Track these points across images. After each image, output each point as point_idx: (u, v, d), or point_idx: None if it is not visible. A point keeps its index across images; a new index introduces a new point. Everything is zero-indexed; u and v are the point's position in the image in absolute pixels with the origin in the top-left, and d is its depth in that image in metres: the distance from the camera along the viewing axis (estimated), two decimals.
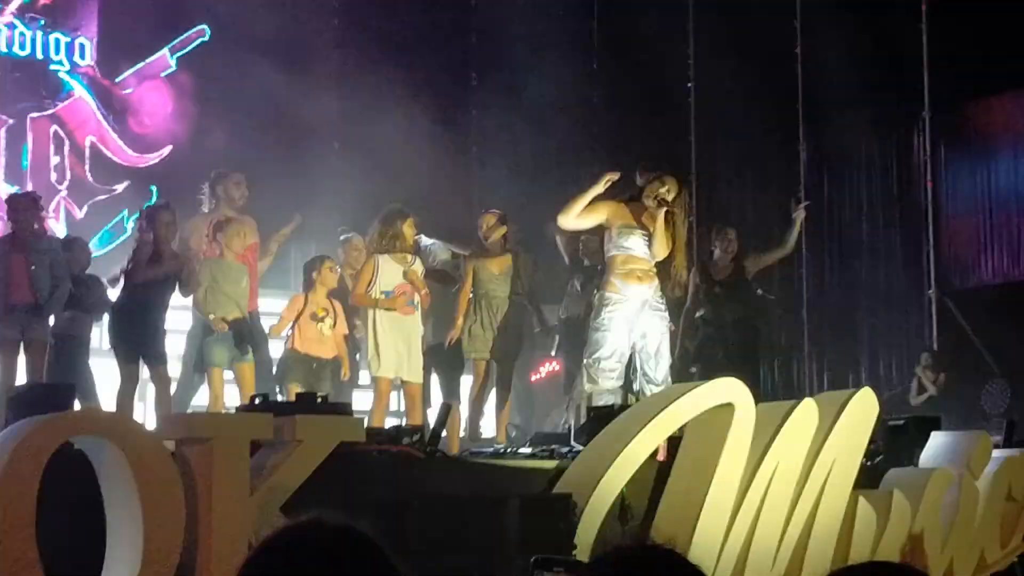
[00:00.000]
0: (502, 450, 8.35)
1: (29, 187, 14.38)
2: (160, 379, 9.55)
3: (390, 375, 9.50)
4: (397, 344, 9.52)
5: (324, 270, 9.96)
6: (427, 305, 9.83)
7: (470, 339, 10.17)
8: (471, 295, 10.20)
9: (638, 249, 8.95)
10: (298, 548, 2.10)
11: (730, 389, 6.87)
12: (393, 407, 10.43)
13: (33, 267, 9.42)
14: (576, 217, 8.97)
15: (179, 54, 15.34)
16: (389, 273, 9.58)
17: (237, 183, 10.32)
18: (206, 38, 15.12)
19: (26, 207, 9.71)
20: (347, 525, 2.14)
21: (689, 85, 15.30)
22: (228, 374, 9.87)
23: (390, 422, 9.09)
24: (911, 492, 7.40)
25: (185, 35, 15.21)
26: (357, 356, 10.38)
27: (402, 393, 9.99)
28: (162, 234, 9.57)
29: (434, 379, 10.59)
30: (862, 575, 2.48)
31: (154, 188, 13.91)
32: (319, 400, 7.05)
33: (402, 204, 9.99)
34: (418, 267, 9.79)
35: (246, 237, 9.98)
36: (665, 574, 2.38)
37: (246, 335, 9.73)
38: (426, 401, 10.20)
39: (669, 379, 8.93)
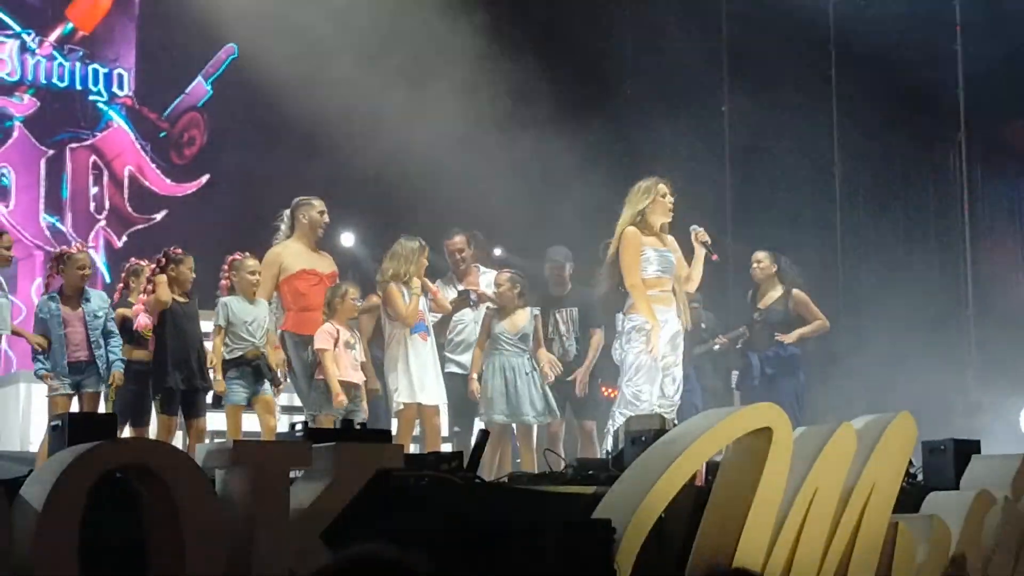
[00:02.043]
0: (540, 476, 8.35)
1: (69, 217, 14.54)
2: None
3: (418, 400, 9.64)
4: (420, 370, 9.68)
5: (347, 300, 10.00)
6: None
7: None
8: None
9: (665, 271, 9.04)
10: None
11: (768, 413, 6.86)
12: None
13: (89, 326, 9.53)
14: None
15: (213, 78, 15.46)
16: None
17: (321, 211, 10.32)
18: (235, 55, 15.22)
19: (83, 265, 9.74)
20: (399, 559, 2.14)
21: (723, 108, 15.34)
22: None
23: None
24: (952, 516, 7.35)
25: (215, 57, 15.33)
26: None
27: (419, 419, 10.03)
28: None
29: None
30: None
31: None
32: (357, 427, 7.10)
33: (419, 237, 10.11)
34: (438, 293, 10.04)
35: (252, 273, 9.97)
36: None
37: (264, 371, 9.74)
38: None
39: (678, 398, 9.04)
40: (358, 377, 9.89)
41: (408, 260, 9.93)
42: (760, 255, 10.99)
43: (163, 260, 9.80)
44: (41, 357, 9.42)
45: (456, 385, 10.15)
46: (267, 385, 9.67)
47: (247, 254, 9.99)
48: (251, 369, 9.64)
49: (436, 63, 14.24)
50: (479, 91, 14.42)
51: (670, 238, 9.30)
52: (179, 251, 9.91)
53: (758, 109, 14.18)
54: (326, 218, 10.32)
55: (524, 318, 10.25)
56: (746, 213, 14.28)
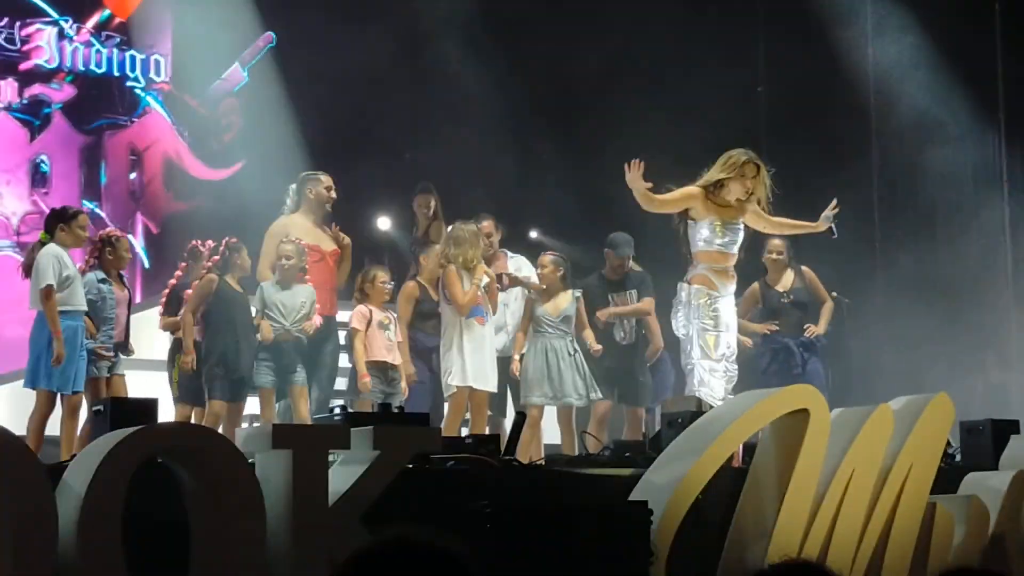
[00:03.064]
0: (577, 459, 8.38)
1: (107, 203, 14.63)
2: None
3: (470, 384, 9.64)
4: (474, 354, 9.67)
5: (377, 284, 10.02)
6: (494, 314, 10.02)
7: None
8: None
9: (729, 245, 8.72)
10: (385, 565, 2.13)
11: (805, 394, 6.87)
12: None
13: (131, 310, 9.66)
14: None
15: (250, 64, 15.52)
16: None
17: (328, 186, 10.33)
18: (273, 44, 15.27)
19: (128, 248, 9.83)
20: (433, 542, 2.16)
21: (759, 89, 15.30)
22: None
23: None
24: (990, 496, 7.34)
25: (253, 45, 15.37)
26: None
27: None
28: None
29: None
30: None
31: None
32: (396, 410, 7.14)
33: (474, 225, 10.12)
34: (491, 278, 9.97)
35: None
36: None
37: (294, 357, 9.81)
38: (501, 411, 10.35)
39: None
40: (392, 357, 9.93)
41: (472, 244, 9.91)
42: (777, 242, 10.93)
43: (222, 249, 9.96)
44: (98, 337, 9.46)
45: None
46: (300, 373, 9.73)
47: (287, 238, 10.05)
48: (281, 355, 9.72)
49: (469, 53, 14.31)
50: (515, 75, 14.46)
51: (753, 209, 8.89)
52: (235, 240, 10.02)
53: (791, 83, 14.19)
54: (333, 194, 10.31)
55: (566, 300, 10.25)
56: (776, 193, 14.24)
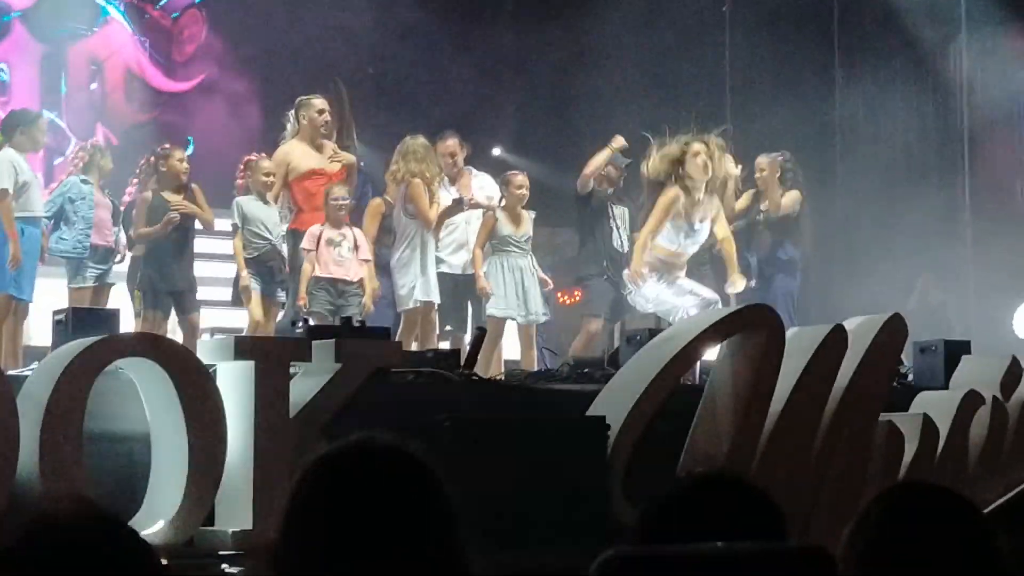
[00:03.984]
0: (537, 374, 8.47)
1: (67, 114, 14.51)
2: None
3: (431, 299, 9.85)
4: (429, 268, 9.88)
5: (330, 201, 10.04)
6: None
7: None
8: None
9: None
10: (349, 468, 2.19)
11: (761, 313, 6.95)
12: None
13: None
14: None
15: None
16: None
17: (320, 110, 10.32)
18: None
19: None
20: (397, 444, 2.21)
21: (724, 9, 15.26)
22: None
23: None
24: (941, 415, 7.46)
25: None
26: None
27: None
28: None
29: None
30: (900, 497, 2.56)
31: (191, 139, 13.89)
32: (357, 324, 7.20)
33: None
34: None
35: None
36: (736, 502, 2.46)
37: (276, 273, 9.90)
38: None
39: None
40: (343, 273, 9.98)
41: (422, 159, 9.97)
42: (761, 161, 10.96)
43: (151, 157, 9.92)
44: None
45: (447, 285, 10.22)
46: (279, 290, 9.83)
47: (262, 155, 10.07)
48: (267, 269, 9.79)
49: None
50: None
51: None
52: (167, 146, 9.99)
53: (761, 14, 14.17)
54: (326, 117, 10.29)
55: (528, 220, 10.36)
56: (747, 116, 14.27)
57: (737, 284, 9.97)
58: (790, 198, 10.96)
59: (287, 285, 9.95)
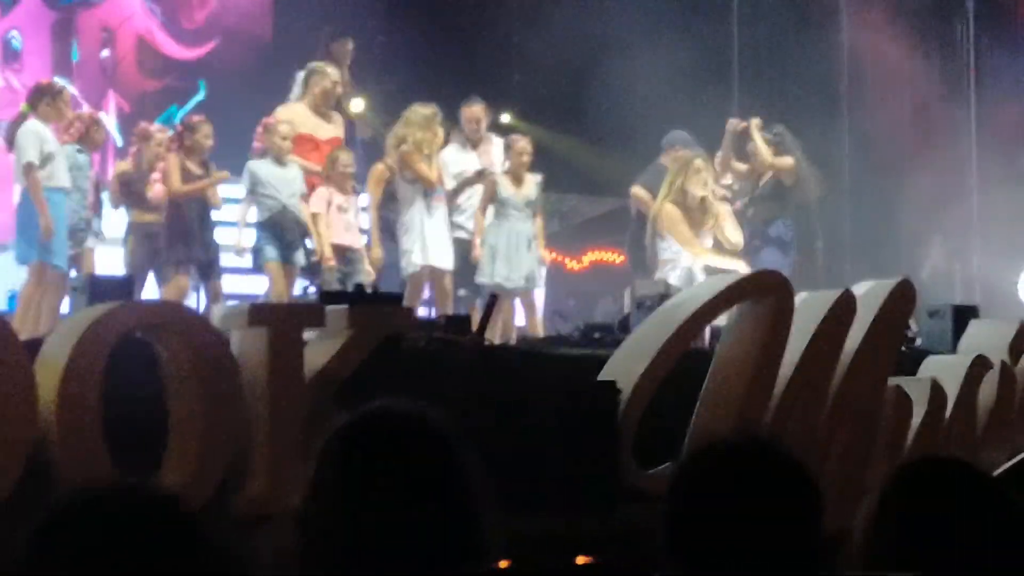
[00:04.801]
0: (548, 340, 8.51)
1: (79, 81, 14.54)
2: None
3: (431, 264, 9.92)
4: (434, 232, 9.97)
5: (338, 167, 10.08)
6: None
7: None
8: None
9: None
10: (374, 434, 2.23)
11: (771, 279, 6.99)
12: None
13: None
14: None
15: None
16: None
17: (335, 81, 10.33)
18: None
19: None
20: (420, 412, 2.25)
21: None
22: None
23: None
24: (949, 379, 7.49)
25: None
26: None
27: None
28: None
29: None
30: (924, 474, 2.58)
31: (202, 83, 13.95)
32: (369, 290, 7.24)
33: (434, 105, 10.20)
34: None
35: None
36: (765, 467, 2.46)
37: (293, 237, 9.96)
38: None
39: None
40: (350, 240, 10.02)
41: (424, 128, 9.98)
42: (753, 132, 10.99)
43: (181, 129, 9.98)
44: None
45: (462, 249, 10.25)
46: (298, 253, 9.87)
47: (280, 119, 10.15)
48: (282, 231, 9.83)
49: None
50: None
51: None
52: (196, 119, 10.04)
53: None
54: (339, 89, 10.33)
55: (532, 184, 10.34)
56: (752, 85, 14.26)
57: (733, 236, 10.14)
58: (783, 160, 11.01)
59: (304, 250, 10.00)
